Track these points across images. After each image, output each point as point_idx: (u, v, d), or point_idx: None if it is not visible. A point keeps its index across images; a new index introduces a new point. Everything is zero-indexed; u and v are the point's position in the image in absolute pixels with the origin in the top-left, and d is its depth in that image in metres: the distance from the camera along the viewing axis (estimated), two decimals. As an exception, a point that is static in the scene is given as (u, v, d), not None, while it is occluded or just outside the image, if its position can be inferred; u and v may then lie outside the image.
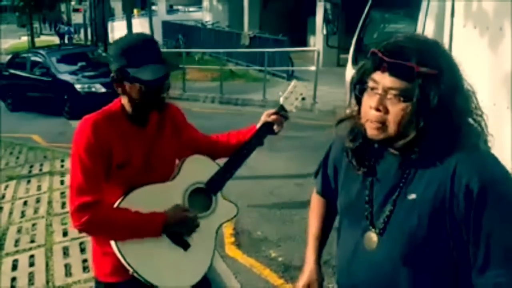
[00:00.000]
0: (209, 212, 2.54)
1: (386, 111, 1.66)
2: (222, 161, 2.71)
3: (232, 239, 5.69)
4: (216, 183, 2.56)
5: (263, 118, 2.69)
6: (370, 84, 1.69)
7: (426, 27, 5.13)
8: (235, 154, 2.65)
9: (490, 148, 1.77)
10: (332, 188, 2.08)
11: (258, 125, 2.71)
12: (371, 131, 1.71)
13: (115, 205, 2.37)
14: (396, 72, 1.62)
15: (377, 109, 1.66)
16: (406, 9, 5.92)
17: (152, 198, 2.43)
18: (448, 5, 4.61)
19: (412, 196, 1.70)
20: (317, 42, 18.41)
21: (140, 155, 2.43)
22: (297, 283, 2.16)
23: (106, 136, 2.32)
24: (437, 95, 1.60)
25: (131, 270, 2.37)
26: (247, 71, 18.48)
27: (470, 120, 1.72)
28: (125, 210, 2.35)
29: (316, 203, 2.26)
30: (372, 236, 1.80)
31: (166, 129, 2.55)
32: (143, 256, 2.38)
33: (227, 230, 5.77)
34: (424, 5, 5.19)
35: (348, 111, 1.87)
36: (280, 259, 5.20)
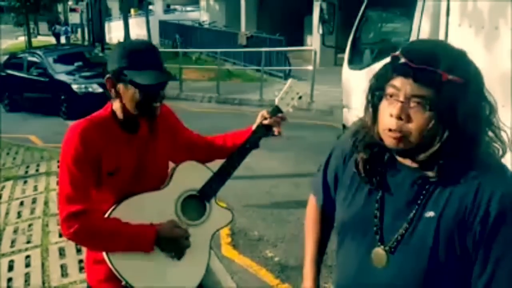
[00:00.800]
0: (202, 220, 2.49)
1: (408, 120, 1.55)
2: (215, 163, 2.68)
3: (228, 239, 5.69)
4: (209, 190, 2.51)
5: (258, 119, 2.64)
6: (390, 90, 1.59)
7: (422, 26, 5.13)
8: (229, 159, 2.59)
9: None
10: (333, 199, 1.96)
11: (254, 127, 2.65)
12: (390, 140, 1.60)
13: (107, 214, 2.34)
14: (422, 78, 1.52)
15: (399, 118, 1.56)
16: (402, 8, 5.92)
17: (144, 208, 2.39)
18: (444, 4, 4.61)
19: (430, 214, 1.61)
20: (314, 41, 18.41)
21: (131, 162, 2.39)
22: None
23: (95, 143, 2.28)
24: (464, 105, 1.52)
25: (123, 282, 2.34)
26: (244, 71, 18.50)
27: (491, 134, 1.63)
28: (116, 220, 2.32)
29: (314, 217, 2.13)
30: (381, 253, 1.70)
31: (159, 133, 2.50)
32: (135, 267, 2.35)
33: (224, 231, 5.75)
34: (419, 4, 5.19)
35: (361, 119, 1.77)
36: (276, 259, 5.20)
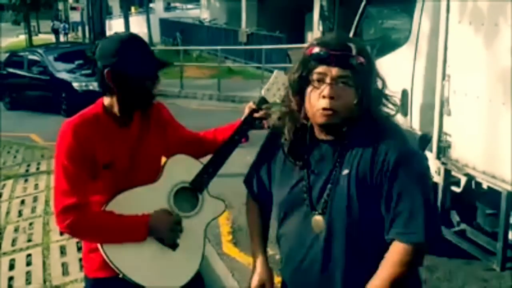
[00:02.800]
0: (195, 211, 2.52)
1: (338, 98, 1.88)
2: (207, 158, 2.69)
3: (229, 237, 5.69)
4: (200, 181, 2.53)
5: (246, 111, 2.65)
6: (315, 77, 1.91)
7: (422, 23, 5.12)
8: (218, 152, 2.61)
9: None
10: (267, 189, 2.24)
11: (242, 118, 2.66)
12: (323, 118, 1.91)
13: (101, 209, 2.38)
14: (343, 62, 1.87)
15: (331, 97, 1.88)
16: (402, 5, 5.90)
17: (137, 202, 2.42)
18: (444, 1, 4.59)
19: (345, 171, 1.94)
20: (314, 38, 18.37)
21: (125, 155, 2.42)
22: (251, 282, 2.28)
23: (88, 138, 2.32)
24: (371, 81, 1.92)
25: (120, 274, 2.36)
26: (244, 68, 18.50)
27: (386, 102, 2.00)
28: (109, 213, 2.36)
29: (253, 206, 2.38)
30: (318, 219, 1.99)
31: (151, 127, 2.53)
32: (130, 258, 2.37)
33: (225, 228, 5.77)
34: (419, 1, 5.18)
35: (285, 108, 2.08)
36: (277, 256, 5.13)
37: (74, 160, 2.29)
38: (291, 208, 2.09)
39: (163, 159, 2.62)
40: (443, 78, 4.60)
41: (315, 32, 17.64)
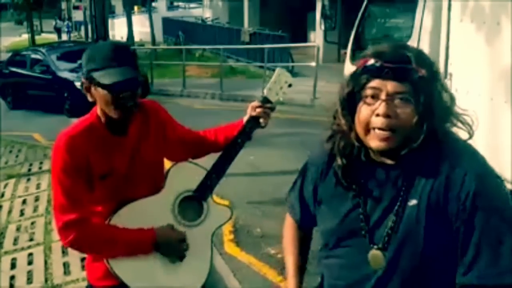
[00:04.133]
0: (201, 219, 2.48)
1: (396, 117, 1.62)
2: (207, 157, 2.67)
3: (231, 236, 5.68)
4: (205, 189, 2.48)
5: (249, 111, 2.59)
6: (369, 92, 1.65)
7: (424, 21, 5.12)
8: (222, 155, 2.55)
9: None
10: (311, 213, 1.98)
11: (245, 119, 2.61)
12: (376, 141, 1.65)
13: (105, 223, 2.35)
14: (400, 76, 1.61)
15: (387, 116, 1.61)
16: (404, 3, 5.90)
17: (142, 214, 2.38)
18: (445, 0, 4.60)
19: (413, 202, 1.67)
20: (317, 38, 18.37)
21: (123, 164, 2.37)
22: None
23: (82, 150, 2.26)
24: (434, 96, 1.63)
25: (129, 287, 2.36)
26: (247, 68, 18.48)
27: (455, 121, 1.72)
28: (113, 227, 2.33)
29: (292, 232, 2.15)
30: (377, 254, 1.73)
31: (150, 131, 2.47)
32: (137, 271, 2.36)
33: (226, 228, 5.75)
34: (421, 1, 5.18)
35: (335, 126, 1.81)
36: (279, 256, 5.18)
37: (70, 174, 2.24)
38: (343, 238, 1.82)
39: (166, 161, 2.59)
40: (445, 77, 4.60)
41: (318, 31, 17.63)
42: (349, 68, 7.31)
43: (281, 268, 4.97)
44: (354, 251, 1.79)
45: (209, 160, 2.61)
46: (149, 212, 2.40)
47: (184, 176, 2.51)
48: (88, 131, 2.30)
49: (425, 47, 5.07)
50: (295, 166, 8.33)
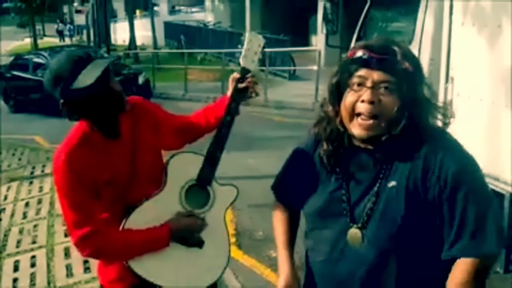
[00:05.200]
0: (210, 203, 2.49)
1: (380, 103, 1.76)
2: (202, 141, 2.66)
3: (233, 239, 5.68)
4: (206, 174, 2.46)
5: (230, 85, 2.50)
6: (355, 80, 1.79)
7: (425, 25, 5.13)
8: (216, 137, 2.48)
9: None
10: (297, 196, 2.08)
11: (229, 93, 2.52)
12: (359, 129, 1.80)
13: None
14: (386, 66, 1.76)
15: (371, 102, 1.76)
16: (406, 7, 5.91)
17: (152, 215, 2.39)
18: (447, 2, 4.60)
19: (392, 183, 1.81)
20: (318, 41, 18.38)
21: (124, 166, 2.37)
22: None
23: (83, 162, 2.24)
24: (417, 89, 1.79)
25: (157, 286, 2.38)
26: (249, 71, 18.45)
27: (436, 113, 1.88)
28: (127, 231, 2.33)
29: (280, 212, 2.26)
30: (356, 232, 1.87)
31: (142, 128, 2.46)
32: (160, 268, 2.38)
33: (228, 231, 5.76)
34: (423, 3, 5.19)
35: (323, 113, 1.96)
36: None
37: (77, 189, 2.24)
38: (326, 218, 1.96)
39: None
40: (447, 81, 4.60)
41: (320, 35, 17.63)
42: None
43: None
44: (335, 229, 1.93)
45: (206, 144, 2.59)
46: (159, 211, 2.41)
47: (183, 167, 2.50)
48: (83, 143, 2.28)
49: (426, 51, 5.08)
50: (297, 169, 8.17)
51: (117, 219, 2.36)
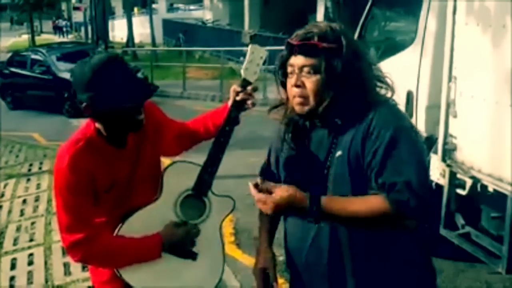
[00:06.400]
0: (205, 215, 2.46)
1: (304, 86, 1.96)
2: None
3: (232, 238, 5.66)
4: (202, 184, 2.43)
5: (231, 95, 2.49)
6: (289, 69, 2.02)
7: (428, 24, 5.09)
8: (214, 147, 2.44)
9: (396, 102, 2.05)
10: (278, 181, 2.19)
11: (229, 103, 2.51)
12: (297, 106, 2.00)
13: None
14: (304, 51, 1.95)
15: (297, 86, 1.97)
16: (408, 6, 5.88)
17: (146, 224, 2.36)
18: (450, 2, 4.56)
19: (339, 153, 1.97)
20: (317, 40, 18.35)
21: (125, 174, 2.35)
22: (254, 268, 2.33)
23: (86, 167, 2.21)
24: (340, 64, 1.91)
25: None
26: (247, 70, 18.45)
27: (378, 83, 2.03)
28: (120, 239, 2.31)
29: None
30: None
31: (147, 136, 2.43)
32: (151, 278, 2.36)
33: (227, 230, 5.73)
34: (426, 2, 5.15)
35: (279, 100, 2.16)
36: (280, 258, 5.11)
37: (76, 193, 2.21)
38: None
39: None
40: (449, 80, 4.57)
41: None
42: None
43: (282, 270, 4.94)
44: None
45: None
46: (152, 221, 2.38)
47: (179, 176, 2.46)
48: (88, 147, 2.25)
49: (429, 51, 5.04)
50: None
51: (113, 226, 2.34)
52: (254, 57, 2.45)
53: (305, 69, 1.96)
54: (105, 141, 2.29)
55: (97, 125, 2.28)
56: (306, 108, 1.99)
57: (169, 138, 2.60)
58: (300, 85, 1.97)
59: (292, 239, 2.19)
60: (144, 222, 2.37)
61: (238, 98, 2.44)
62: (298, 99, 1.99)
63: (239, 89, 2.45)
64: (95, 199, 2.29)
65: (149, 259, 2.33)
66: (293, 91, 2.00)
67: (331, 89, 1.94)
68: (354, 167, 1.93)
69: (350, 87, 1.95)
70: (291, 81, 2.01)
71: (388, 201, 1.85)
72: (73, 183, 2.20)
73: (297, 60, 1.98)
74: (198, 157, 2.50)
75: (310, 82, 1.96)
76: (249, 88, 2.45)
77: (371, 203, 1.88)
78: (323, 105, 1.96)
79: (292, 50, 1.99)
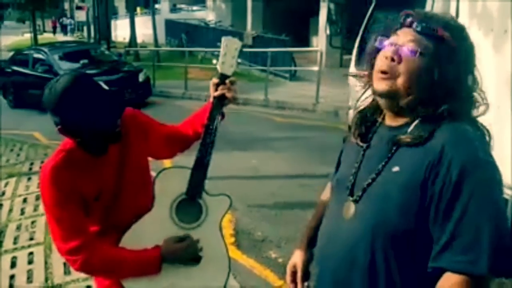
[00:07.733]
0: (203, 217, 2.46)
1: (400, 62, 1.70)
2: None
3: (232, 239, 5.66)
4: (195, 187, 2.43)
5: (211, 91, 2.47)
6: (392, 39, 1.74)
7: (430, 28, 5.10)
8: (201, 147, 2.43)
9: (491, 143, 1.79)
10: None
11: (211, 100, 2.49)
12: (379, 82, 1.74)
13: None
14: (422, 29, 1.70)
15: (391, 59, 1.70)
16: (410, 10, 5.88)
17: (145, 235, 2.37)
18: (453, 6, 4.57)
19: (396, 168, 1.72)
20: (320, 42, 18.35)
21: (112, 181, 2.36)
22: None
23: (69, 179, 2.22)
24: (450, 65, 1.67)
25: None
26: (249, 71, 18.45)
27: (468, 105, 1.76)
28: (119, 249, 2.32)
29: (320, 201, 2.24)
30: (350, 205, 1.83)
31: (130, 140, 2.42)
32: (157, 284, 2.37)
33: (227, 231, 5.74)
34: (428, 6, 5.15)
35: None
36: (280, 260, 5.17)
37: (64, 205, 2.22)
38: (338, 190, 1.95)
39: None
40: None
41: (321, 35, 17.62)
42: (353, 72, 7.28)
43: (282, 272, 4.95)
44: (338, 202, 1.91)
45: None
46: (151, 231, 2.38)
47: (171, 182, 2.46)
48: (69, 159, 2.27)
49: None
50: (296, 170, 8.40)
51: (108, 235, 2.36)
52: (228, 50, 2.44)
53: (410, 44, 1.69)
54: (85, 151, 2.30)
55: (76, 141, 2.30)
56: (389, 84, 1.71)
57: (157, 141, 2.59)
58: (395, 60, 1.70)
59: (323, 230, 2.01)
60: (144, 233, 2.37)
61: (216, 93, 2.42)
62: (384, 75, 1.72)
63: (216, 82, 2.44)
64: (86, 208, 2.30)
65: (149, 273, 2.34)
66: (382, 63, 1.73)
67: (426, 81, 1.68)
68: (408, 192, 1.67)
69: (437, 93, 1.69)
70: (385, 52, 1.73)
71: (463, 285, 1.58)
72: (58, 196, 2.21)
73: (407, 33, 1.72)
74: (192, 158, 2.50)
75: (410, 61, 1.68)
76: (227, 81, 2.43)
77: None
78: (409, 99, 1.71)
79: (404, 22, 1.74)
